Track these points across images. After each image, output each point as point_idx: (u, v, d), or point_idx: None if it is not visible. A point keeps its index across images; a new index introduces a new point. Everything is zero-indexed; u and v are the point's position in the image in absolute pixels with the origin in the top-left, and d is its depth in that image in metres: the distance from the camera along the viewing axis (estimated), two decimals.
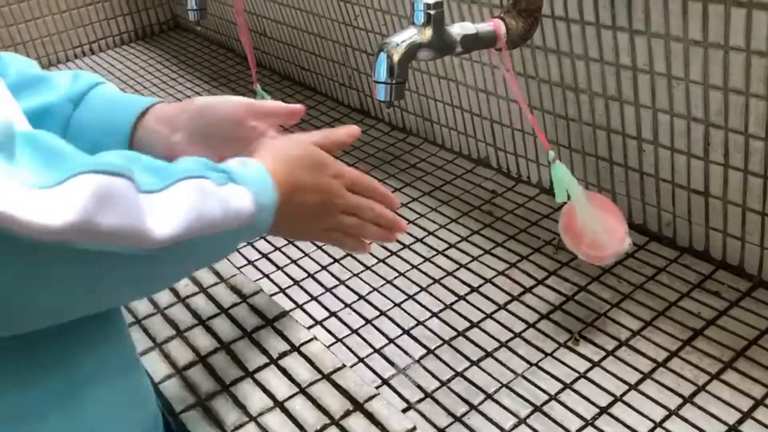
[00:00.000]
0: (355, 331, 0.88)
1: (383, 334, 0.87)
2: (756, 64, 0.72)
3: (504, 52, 0.79)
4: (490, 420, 0.74)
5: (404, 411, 0.76)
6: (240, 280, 0.89)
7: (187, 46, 1.85)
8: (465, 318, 0.87)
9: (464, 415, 0.75)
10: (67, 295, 0.46)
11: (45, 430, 0.51)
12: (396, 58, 0.70)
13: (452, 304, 0.90)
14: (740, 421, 0.70)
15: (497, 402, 0.76)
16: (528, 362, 0.80)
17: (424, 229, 1.04)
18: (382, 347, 0.85)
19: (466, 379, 0.79)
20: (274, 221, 0.59)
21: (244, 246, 1.05)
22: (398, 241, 1.02)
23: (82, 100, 0.68)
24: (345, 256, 1.01)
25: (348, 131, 0.70)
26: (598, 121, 0.92)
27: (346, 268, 0.99)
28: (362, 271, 0.98)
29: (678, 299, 0.85)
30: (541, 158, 1.04)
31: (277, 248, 1.04)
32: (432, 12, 0.71)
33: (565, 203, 0.82)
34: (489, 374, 0.79)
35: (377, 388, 0.78)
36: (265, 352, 0.78)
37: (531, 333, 0.84)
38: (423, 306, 0.90)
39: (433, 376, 0.80)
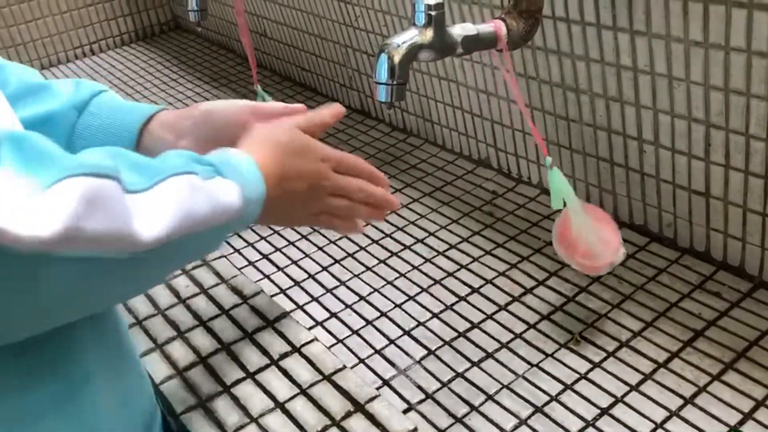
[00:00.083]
0: (355, 332, 0.88)
1: (384, 334, 0.87)
2: (757, 65, 0.72)
3: (505, 53, 0.79)
4: (491, 421, 0.74)
5: (405, 412, 0.76)
6: (241, 281, 0.89)
7: (188, 47, 1.85)
8: (466, 319, 0.87)
9: (465, 416, 0.75)
10: (50, 302, 0.44)
11: (43, 431, 0.51)
12: (397, 59, 0.70)
13: (453, 304, 0.90)
14: (741, 422, 0.70)
15: (498, 403, 0.76)
16: (529, 363, 0.80)
17: (425, 230, 1.04)
18: (383, 348, 0.85)
19: (466, 379, 0.79)
20: (263, 212, 0.59)
21: (245, 247, 1.05)
22: (399, 242, 1.02)
23: (86, 107, 0.68)
24: (346, 257, 1.01)
25: (331, 111, 0.69)
26: (599, 122, 0.92)
27: (347, 269, 0.99)
28: (363, 272, 0.98)
29: (679, 300, 0.85)
30: (541, 159, 1.04)
31: (277, 249, 1.04)
32: (433, 13, 0.71)
33: (560, 211, 0.82)
34: (490, 375, 0.79)
35: (378, 389, 0.78)
36: (265, 353, 0.78)
37: (532, 334, 0.84)
38: (423, 307, 0.90)
39: (434, 376, 0.80)
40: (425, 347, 0.84)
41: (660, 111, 0.84)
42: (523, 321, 0.86)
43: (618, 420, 0.72)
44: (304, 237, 1.06)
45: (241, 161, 0.57)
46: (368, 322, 0.89)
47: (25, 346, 0.48)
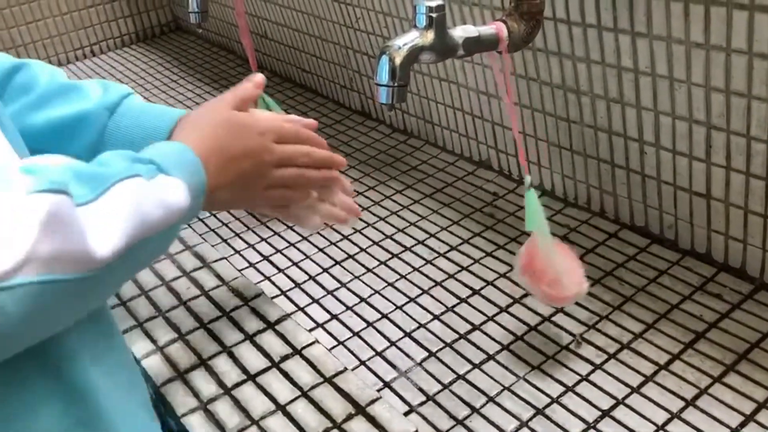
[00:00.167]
0: (356, 334, 0.88)
1: (385, 336, 0.87)
2: (758, 67, 0.72)
3: (505, 55, 0.79)
4: (492, 423, 0.74)
5: (406, 414, 0.76)
6: (241, 283, 0.89)
7: (188, 48, 1.85)
8: (466, 321, 0.87)
9: (466, 418, 0.75)
10: (7, 329, 0.41)
11: (35, 429, 0.51)
12: (398, 60, 0.70)
13: (454, 306, 0.90)
14: (743, 424, 0.70)
15: (499, 405, 0.76)
16: (530, 365, 0.80)
17: (426, 232, 1.04)
18: (384, 350, 0.85)
19: (467, 381, 0.79)
20: (210, 199, 0.59)
21: (246, 248, 1.05)
22: (399, 244, 1.02)
23: (116, 108, 0.69)
24: (346, 259, 1.01)
25: (254, 82, 0.69)
26: (600, 124, 0.92)
27: (348, 271, 0.99)
28: (364, 274, 0.98)
29: (680, 302, 0.85)
30: (542, 160, 1.04)
31: (278, 251, 1.04)
32: (434, 15, 0.71)
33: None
34: (491, 377, 0.79)
35: (379, 391, 0.78)
36: (266, 355, 0.78)
37: (533, 336, 0.84)
38: (424, 309, 0.90)
39: (435, 379, 0.80)
40: (426, 349, 0.84)
41: (661, 112, 0.84)
42: (525, 323, 0.86)
43: (619, 422, 0.72)
44: (304, 239, 1.06)
45: (181, 153, 0.57)
46: (369, 324, 0.89)
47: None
